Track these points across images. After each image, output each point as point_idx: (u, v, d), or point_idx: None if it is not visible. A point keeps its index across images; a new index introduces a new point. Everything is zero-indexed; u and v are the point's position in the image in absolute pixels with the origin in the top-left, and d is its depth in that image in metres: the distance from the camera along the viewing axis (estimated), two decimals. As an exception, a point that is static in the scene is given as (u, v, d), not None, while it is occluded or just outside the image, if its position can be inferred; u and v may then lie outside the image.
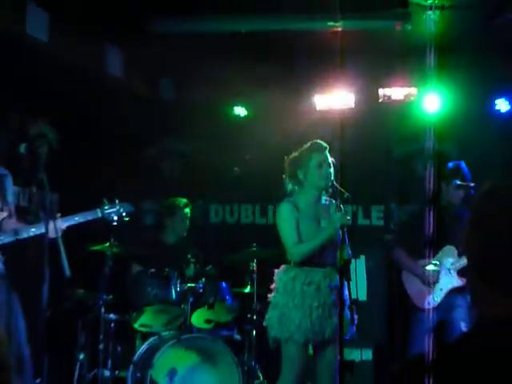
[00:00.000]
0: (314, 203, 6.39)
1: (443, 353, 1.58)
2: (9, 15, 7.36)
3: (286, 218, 6.35)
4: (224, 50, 8.45)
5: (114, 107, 9.13)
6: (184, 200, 8.88)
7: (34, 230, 6.14)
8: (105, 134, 9.44)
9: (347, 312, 6.16)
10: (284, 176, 6.47)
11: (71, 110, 8.45)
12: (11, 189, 6.43)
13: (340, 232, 6.11)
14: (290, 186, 6.44)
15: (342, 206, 6.21)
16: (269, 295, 6.43)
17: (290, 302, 6.19)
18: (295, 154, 6.42)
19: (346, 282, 5.98)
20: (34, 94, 7.88)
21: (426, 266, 7.27)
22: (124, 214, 6.71)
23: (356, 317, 6.30)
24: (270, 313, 6.33)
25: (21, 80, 7.72)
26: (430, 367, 1.54)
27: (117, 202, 6.64)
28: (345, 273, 5.96)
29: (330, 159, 6.30)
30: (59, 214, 6.19)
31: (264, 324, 6.43)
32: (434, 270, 7.26)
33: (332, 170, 6.28)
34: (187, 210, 8.86)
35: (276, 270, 6.44)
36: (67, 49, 8.08)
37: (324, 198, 6.42)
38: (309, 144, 6.40)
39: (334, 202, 6.28)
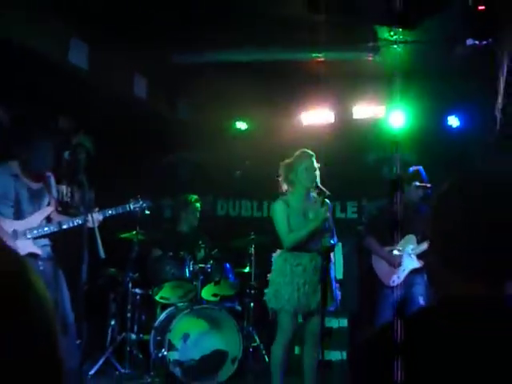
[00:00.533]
0: (303, 200, 6.41)
1: (406, 324, 1.59)
2: (54, 45, 7.37)
3: (279, 214, 6.38)
4: (228, 75, 8.46)
5: (140, 122, 9.14)
6: (195, 196, 8.88)
7: (74, 222, 6.16)
8: (132, 144, 9.45)
9: (334, 288, 6.22)
10: (279, 178, 6.49)
11: (105, 125, 8.46)
12: (54, 188, 6.46)
13: (326, 223, 6.19)
14: (285, 187, 6.46)
15: (327, 201, 6.25)
16: (268, 275, 6.45)
17: (282, 280, 6.22)
18: (288, 160, 6.44)
19: (332, 265, 6.01)
20: (75, 111, 7.89)
21: (391, 251, 7.29)
22: (145, 209, 6.77)
23: (339, 293, 6.34)
24: (268, 289, 6.37)
25: (65, 101, 7.73)
26: (395, 335, 1.54)
27: (139, 198, 6.70)
28: (327, 256, 5.98)
29: (316, 164, 6.32)
30: (97, 209, 6.22)
31: (264, 298, 6.45)
32: (397, 254, 7.27)
33: (317, 173, 6.31)
34: (198, 204, 8.85)
35: (273, 254, 6.47)
36: (103, 75, 8.10)
37: (312, 196, 6.43)
38: (298, 152, 6.42)
39: (319, 199, 6.30)
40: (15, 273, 1.06)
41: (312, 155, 6.36)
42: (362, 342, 1.80)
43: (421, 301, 7.16)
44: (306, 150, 6.43)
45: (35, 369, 1.03)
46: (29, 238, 6.04)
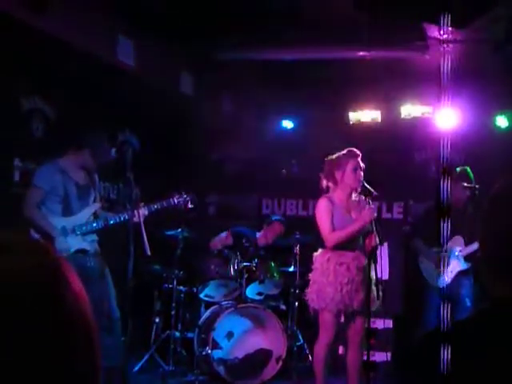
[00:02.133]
0: (347, 199, 6.37)
1: (456, 328, 1.58)
2: (103, 44, 7.47)
3: (323, 211, 6.33)
4: (274, 74, 8.48)
5: (185, 119, 9.21)
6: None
7: (121, 217, 6.23)
8: (178, 140, 9.52)
9: (374, 289, 6.18)
10: (322, 174, 6.45)
11: (152, 122, 8.54)
12: (98, 184, 6.55)
13: (371, 223, 6.15)
14: (324, 183, 6.42)
15: (370, 202, 6.21)
16: (309, 274, 6.43)
17: (325, 279, 6.19)
18: (333, 156, 6.38)
19: (373, 264, 5.97)
20: (122, 108, 7.97)
21: (438, 252, 7.24)
22: (189, 202, 6.79)
23: (381, 293, 6.28)
24: (310, 288, 6.34)
25: (112, 97, 7.82)
26: (445, 337, 1.54)
27: (184, 193, 6.72)
28: (373, 257, 5.96)
29: (362, 164, 6.28)
30: (142, 204, 6.27)
31: (305, 298, 6.44)
32: (445, 256, 7.21)
33: (362, 173, 6.27)
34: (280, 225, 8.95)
35: (314, 254, 6.44)
36: (150, 72, 8.18)
37: (356, 195, 6.40)
38: (346, 150, 6.36)
39: (363, 198, 6.27)
40: (52, 271, 1.08)
41: (359, 155, 6.32)
42: (411, 344, 1.79)
43: (468, 303, 7.12)
44: (353, 149, 6.38)
45: (72, 369, 1.04)
46: (78, 234, 6.13)
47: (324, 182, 6.41)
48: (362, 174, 6.26)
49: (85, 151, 6.17)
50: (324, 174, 6.42)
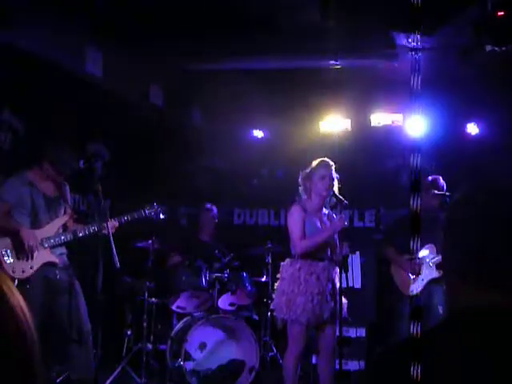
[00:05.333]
0: (319, 208, 6.38)
1: (424, 338, 1.57)
2: (71, 55, 7.41)
3: (294, 218, 6.35)
4: (244, 84, 8.47)
5: (156, 131, 9.17)
6: (213, 205, 8.89)
7: (90, 229, 6.18)
8: (147, 152, 9.47)
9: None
10: (300, 187, 6.46)
11: (120, 132, 8.49)
12: (69, 196, 6.50)
13: (338, 233, 6.16)
14: (302, 194, 6.43)
15: (339, 211, 6.23)
16: (275, 283, 6.42)
17: (295, 289, 6.17)
18: (311, 166, 6.41)
19: (344, 274, 5.97)
20: (92, 120, 7.92)
21: (410, 260, 7.25)
22: (161, 214, 6.77)
23: (345, 301, 6.29)
24: (278, 298, 6.31)
25: (81, 109, 7.77)
26: (416, 345, 1.53)
27: (155, 204, 6.70)
28: (344, 266, 5.96)
29: (334, 173, 6.29)
30: (113, 219, 6.24)
31: (271, 307, 6.43)
32: (417, 264, 7.23)
33: (335, 182, 6.28)
34: (215, 212, 8.87)
35: (282, 263, 6.43)
36: (118, 83, 8.14)
37: (329, 204, 6.41)
38: (317, 160, 6.39)
39: (337, 207, 6.28)
40: None
41: (330, 164, 6.33)
42: (380, 354, 1.78)
43: (440, 311, 7.13)
44: (325, 159, 6.39)
45: (8, 382, 1.02)
46: (46, 247, 6.06)
47: (302, 194, 6.43)
48: (334, 183, 6.27)
49: (51, 163, 6.13)
50: (300, 184, 6.45)
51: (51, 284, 6.07)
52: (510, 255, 1.58)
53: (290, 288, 6.20)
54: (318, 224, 6.34)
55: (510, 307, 1.57)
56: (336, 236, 6.26)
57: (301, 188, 6.44)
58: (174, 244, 8.61)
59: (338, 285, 6.11)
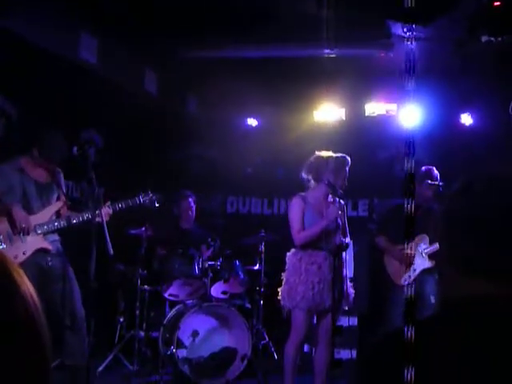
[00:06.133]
0: (323, 199, 6.38)
1: (417, 327, 1.57)
2: (65, 42, 7.39)
3: (294, 210, 6.39)
4: (239, 72, 8.45)
5: (150, 118, 9.15)
6: (188, 192, 8.83)
7: (84, 216, 6.17)
8: (142, 139, 9.46)
9: (347, 287, 6.24)
10: (304, 170, 6.44)
11: (114, 119, 8.47)
12: (63, 183, 6.48)
13: (339, 222, 6.18)
14: (305, 177, 6.43)
15: (340, 200, 6.26)
16: (282, 273, 6.45)
17: (296, 278, 6.22)
18: (323, 154, 6.39)
19: (344, 263, 6.02)
20: (84, 105, 7.90)
21: (403, 250, 7.26)
22: (155, 202, 6.76)
23: (352, 291, 6.35)
24: (282, 287, 6.37)
25: (75, 96, 7.74)
26: (405, 338, 1.53)
27: (150, 192, 6.69)
28: (338, 255, 5.97)
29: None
30: (108, 203, 6.23)
31: (278, 297, 6.46)
32: (409, 254, 7.24)
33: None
34: (191, 200, 8.80)
35: (287, 253, 6.47)
36: (113, 70, 8.11)
37: (330, 196, 6.41)
38: (340, 155, 6.39)
39: (337, 199, 6.30)
40: None
41: (348, 162, 6.39)
42: (371, 344, 1.78)
43: (432, 300, 7.15)
44: (346, 156, 6.42)
45: (20, 370, 1.02)
46: (39, 234, 6.05)
47: (308, 178, 6.41)
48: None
49: (41, 150, 6.11)
50: (308, 169, 6.42)
51: (44, 270, 6.06)
52: (505, 245, 1.59)
53: (292, 278, 6.27)
54: (318, 215, 6.34)
55: (504, 297, 1.58)
56: (336, 224, 6.24)
57: (307, 172, 6.41)
58: (158, 234, 8.57)
59: (344, 274, 6.16)
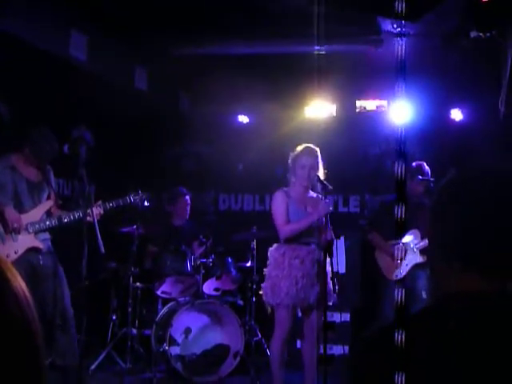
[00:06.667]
0: (303, 193, 6.40)
1: (409, 323, 1.57)
2: (55, 39, 7.36)
3: (278, 203, 6.39)
4: (230, 69, 8.44)
5: (141, 115, 9.13)
6: (184, 189, 8.84)
7: (75, 215, 6.16)
8: (133, 137, 9.45)
9: (330, 282, 6.19)
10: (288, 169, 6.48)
11: (105, 117, 8.45)
12: (53, 181, 6.47)
13: (323, 218, 6.16)
14: (289, 177, 6.45)
15: (325, 197, 6.23)
16: (264, 269, 6.44)
17: (279, 274, 6.20)
18: (295, 153, 6.41)
19: (329, 258, 5.97)
20: (75, 103, 7.88)
21: (394, 245, 7.28)
22: (145, 201, 6.77)
23: (337, 287, 6.31)
24: (265, 283, 6.35)
25: (65, 93, 7.72)
26: (397, 333, 1.53)
27: (140, 191, 6.70)
28: (328, 251, 5.96)
29: (318, 160, 6.30)
30: (100, 202, 6.23)
31: (260, 292, 6.46)
32: (401, 249, 7.26)
33: (319, 170, 6.29)
34: (187, 197, 8.81)
35: (269, 248, 6.46)
36: (103, 67, 8.09)
37: (313, 189, 6.43)
38: (300, 147, 6.40)
39: (321, 193, 6.29)
40: None
41: (313, 151, 6.34)
42: (362, 339, 1.78)
43: (424, 295, 7.16)
44: (309, 145, 6.40)
45: (13, 367, 1.02)
46: (30, 233, 6.04)
47: (289, 176, 6.45)
48: (319, 170, 6.28)
49: (35, 147, 6.10)
50: (288, 168, 6.46)
51: (35, 269, 6.05)
52: (496, 240, 1.59)
53: (275, 272, 6.24)
54: (302, 209, 6.36)
55: (497, 293, 1.58)
56: (323, 220, 6.25)
57: (289, 171, 6.46)
58: (154, 231, 8.57)
59: (328, 269, 6.13)
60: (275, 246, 6.40)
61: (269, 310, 6.39)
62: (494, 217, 1.60)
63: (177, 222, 8.79)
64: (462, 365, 1.53)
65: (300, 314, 6.46)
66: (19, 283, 1.08)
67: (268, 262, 6.40)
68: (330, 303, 6.31)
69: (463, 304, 1.59)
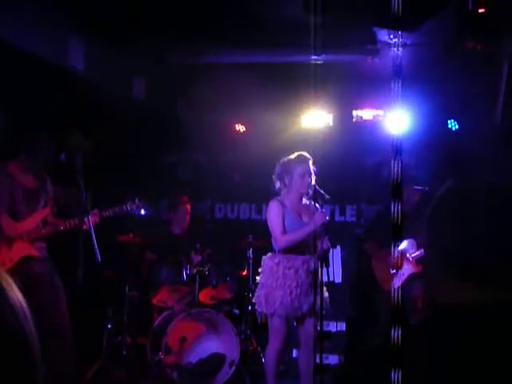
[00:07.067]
0: (298, 202, 6.40)
1: (406, 332, 1.57)
2: (53, 49, 7.37)
3: (274, 213, 6.37)
4: (227, 78, 8.45)
5: (138, 123, 9.13)
6: (185, 197, 8.85)
7: (71, 223, 6.15)
8: (130, 145, 9.45)
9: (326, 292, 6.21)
10: (274, 176, 6.48)
11: (102, 125, 8.44)
12: (51, 189, 6.46)
13: (319, 228, 6.16)
14: (277, 185, 6.44)
15: (321, 206, 6.23)
16: (257, 277, 6.44)
17: (274, 283, 6.20)
18: (285, 159, 6.42)
19: (326, 268, 5.98)
20: (74, 113, 7.88)
21: (390, 255, 7.28)
22: (142, 209, 6.77)
23: (326, 294, 6.30)
24: (258, 292, 6.35)
25: (63, 102, 7.72)
26: (395, 342, 1.53)
27: (137, 200, 6.70)
28: (324, 260, 5.96)
29: (313, 168, 6.30)
30: (96, 210, 6.22)
31: (253, 301, 6.45)
32: (397, 259, 7.26)
33: (313, 178, 6.28)
34: (187, 206, 8.82)
35: (263, 257, 6.46)
36: (101, 77, 8.10)
37: (305, 199, 6.43)
38: (295, 155, 6.40)
39: (313, 203, 6.28)
40: None
41: (309, 159, 6.34)
42: (362, 349, 1.79)
43: (419, 305, 7.16)
44: (303, 153, 6.41)
45: (9, 378, 1.01)
46: (26, 240, 6.03)
47: (276, 184, 6.44)
48: (313, 178, 6.28)
49: (32, 154, 6.10)
50: (276, 176, 6.45)
51: (31, 277, 6.04)
52: (493, 250, 1.59)
53: (269, 282, 6.24)
54: (297, 218, 6.36)
55: (493, 302, 1.58)
56: (320, 229, 6.25)
57: (275, 177, 6.45)
58: (151, 239, 8.57)
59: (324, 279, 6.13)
60: (269, 254, 6.40)
61: (260, 319, 6.39)
62: (491, 227, 1.60)
63: (176, 230, 8.79)
64: (460, 375, 1.53)
65: (295, 324, 6.45)
66: (15, 293, 1.07)
67: (261, 270, 6.40)
68: (324, 313, 6.32)
69: (460, 314, 1.59)
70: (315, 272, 5.92)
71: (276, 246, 6.35)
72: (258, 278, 6.43)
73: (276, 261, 6.27)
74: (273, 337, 6.27)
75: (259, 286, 6.35)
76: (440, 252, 1.67)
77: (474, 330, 1.56)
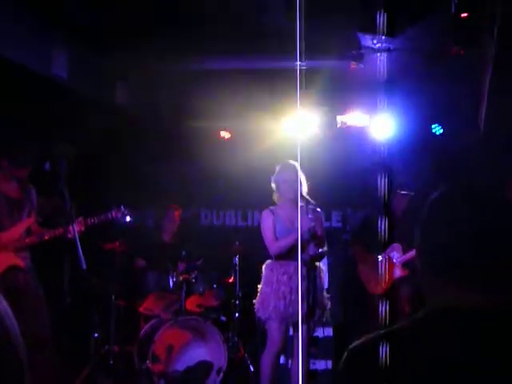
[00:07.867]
0: (290, 210, 6.45)
1: (395, 335, 1.57)
2: (36, 57, 7.35)
3: (265, 222, 6.56)
4: (211, 84, 8.46)
5: (121, 131, 9.12)
6: (174, 205, 8.88)
7: (55, 233, 6.12)
8: (114, 153, 9.43)
9: (323, 298, 6.29)
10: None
11: (86, 133, 8.42)
12: (35, 198, 6.43)
13: (318, 232, 6.22)
14: (274, 196, 6.55)
15: (317, 209, 6.33)
16: (258, 286, 6.53)
17: (268, 289, 6.30)
18: (276, 172, 6.57)
19: (318, 273, 6.08)
20: (57, 121, 7.86)
21: (377, 259, 7.29)
22: (127, 216, 6.77)
23: (328, 302, 6.41)
24: (257, 298, 6.46)
25: (47, 111, 7.70)
26: (382, 347, 1.53)
27: (122, 207, 6.69)
28: (311, 265, 6.00)
29: (299, 174, 6.33)
30: (81, 218, 6.20)
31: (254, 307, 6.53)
32: (383, 263, 7.27)
33: (303, 182, 6.34)
34: (177, 213, 8.85)
35: (263, 265, 6.55)
36: (84, 84, 8.08)
37: (301, 205, 6.45)
38: (280, 164, 6.52)
39: (306, 207, 6.33)
40: None
41: (292, 166, 6.41)
42: (348, 352, 1.78)
43: (406, 309, 7.17)
44: (287, 161, 6.50)
45: None
46: (10, 251, 5.99)
47: (274, 196, 6.58)
48: (304, 183, 6.34)
49: (14, 161, 6.07)
50: (272, 186, 6.60)
51: (15, 288, 6.00)
52: (485, 255, 1.59)
53: (265, 289, 6.39)
54: (289, 226, 6.45)
55: (487, 307, 1.58)
56: (318, 232, 6.32)
57: (274, 193, 6.58)
58: (138, 247, 8.56)
59: (318, 284, 6.22)
60: (267, 262, 6.54)
61: (260, 325, 6.48)
62: (482, 232, 1.60)
63: (165, 238, 8.80)
64: (451, 379, 1.52)
65: (291, 330, 6.52)
66: (2, 304, 1.06)
67: (261, 278, 6.50)
68: (324, 319, 6.42)
69: (451, 318, 1.59)
70: (308, 277, 5.98)
71: (270, 253, 6.46)
72: (259, 286, 6.53)
73: (270, 268, 6.46)
74: (270, 341, 6.41)
75: (258, 293, 6.49)
76: (431, 257, 1.67)
77: (466, 335, 1.56)
